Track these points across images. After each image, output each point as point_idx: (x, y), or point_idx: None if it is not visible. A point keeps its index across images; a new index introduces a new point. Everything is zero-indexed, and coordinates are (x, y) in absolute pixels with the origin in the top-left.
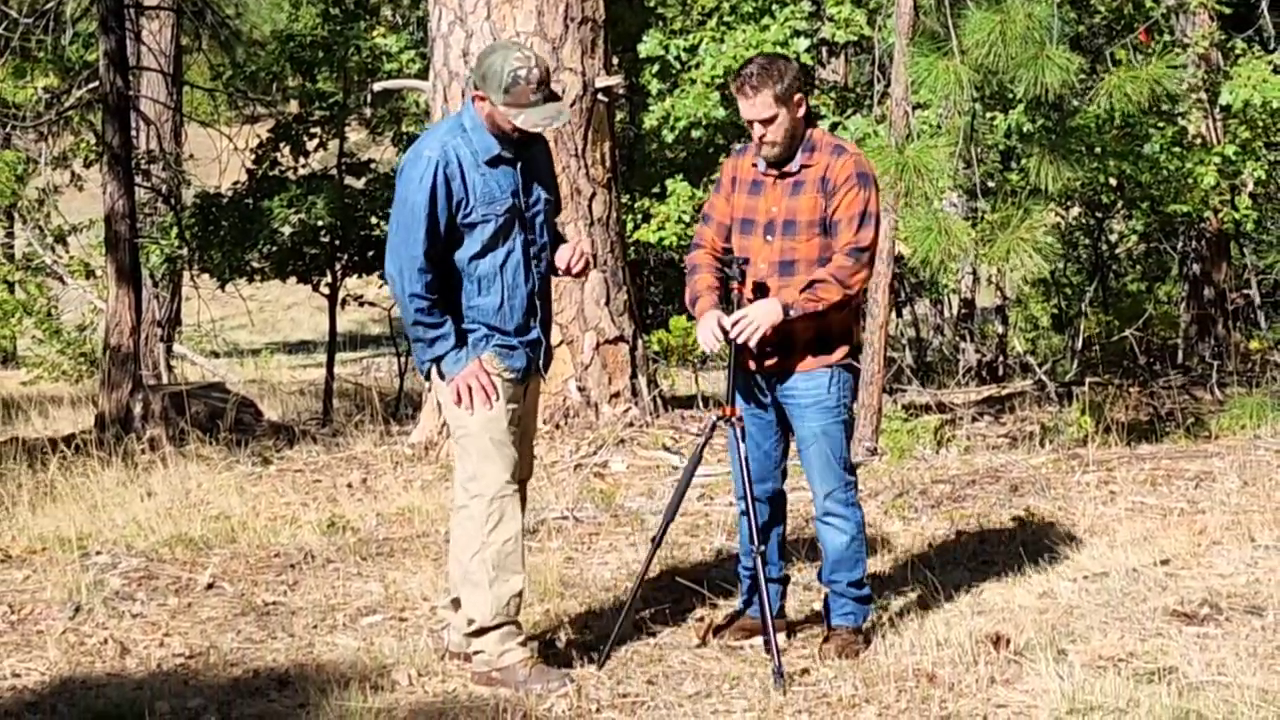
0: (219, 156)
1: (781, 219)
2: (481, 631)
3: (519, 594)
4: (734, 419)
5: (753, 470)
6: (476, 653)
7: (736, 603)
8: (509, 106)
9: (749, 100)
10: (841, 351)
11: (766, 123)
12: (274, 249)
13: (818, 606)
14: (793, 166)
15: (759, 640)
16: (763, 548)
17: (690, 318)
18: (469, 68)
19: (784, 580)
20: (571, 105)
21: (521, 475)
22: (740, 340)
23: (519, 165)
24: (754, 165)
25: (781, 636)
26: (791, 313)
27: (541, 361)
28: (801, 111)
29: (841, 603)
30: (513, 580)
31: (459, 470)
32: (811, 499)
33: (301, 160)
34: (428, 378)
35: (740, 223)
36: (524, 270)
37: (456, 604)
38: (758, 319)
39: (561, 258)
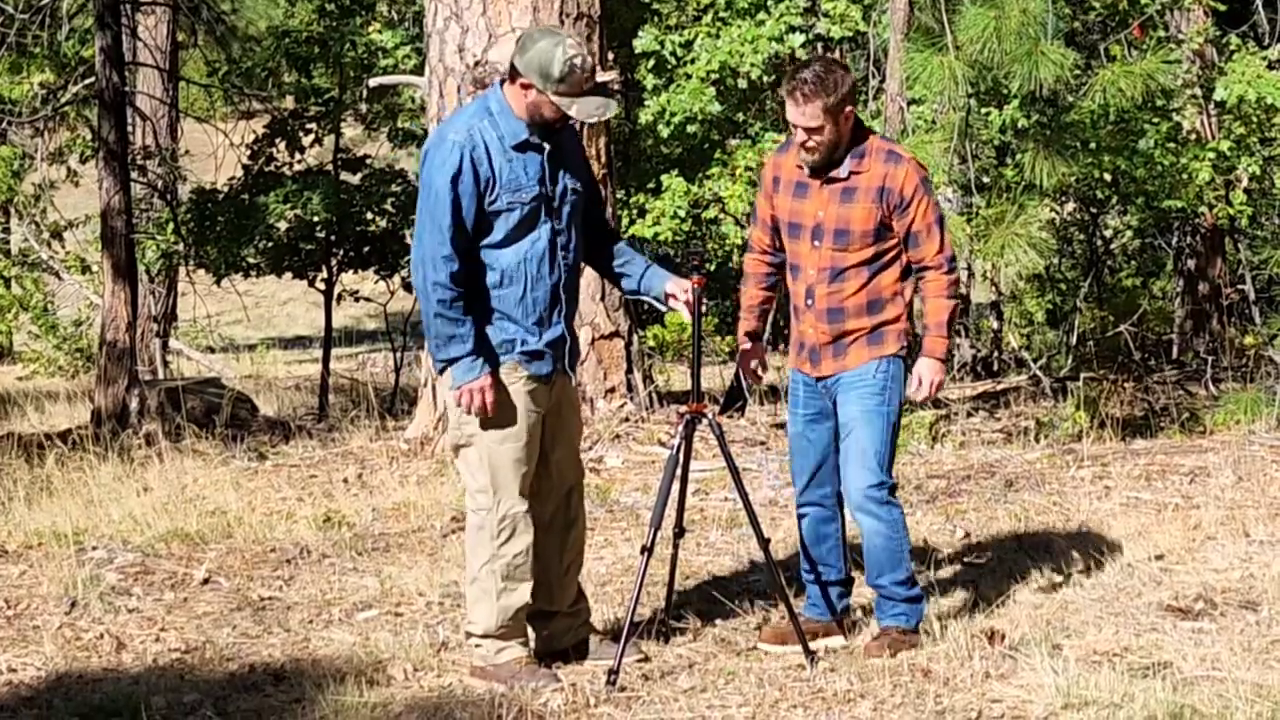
0: (215, 152)
1: (832, 227)
2: (484, 637)
3: (525, 604)
4: (703, 414)
5: (818, 476)
6: (476, 648)
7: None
8: (562, 96)
9: (798, 108)
10: (894, 347)
11: (812, 131)
12: (270, 244)
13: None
14: (841, 172)
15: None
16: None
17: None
18: (464, 63)
19: (846, 582)
20: None
21: (573, 479)
22: (927, 399)
23: (546, 152)
24: (799, 166)
25: (839, 640)
26: (944, 356)
27: (567, 360)
28: (850, 124)
29: (890, 605)
30: (521, 590)
31: (468, 479)
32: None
33: (297, 156)
34: (441, 372)
35: (788, 226)
36: (549, 262)
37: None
38: (929, 378)
39: (675, 288)
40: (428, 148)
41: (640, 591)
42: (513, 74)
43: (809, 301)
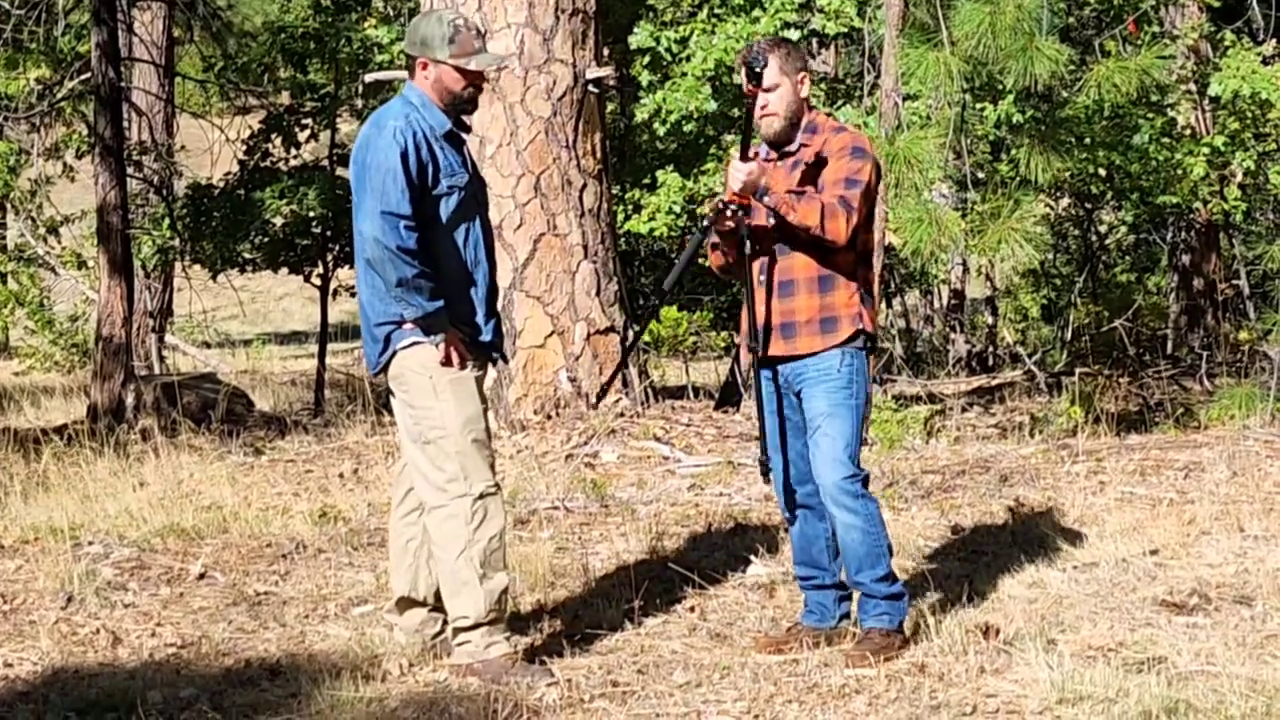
0: (211, 148)
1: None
2: (474, 626)
3: (505, 590)
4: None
5: (802, 470)
6: (461, 644)
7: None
8: (458, 57)
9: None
10: (849, 331)
11: (770, 90)
12: (266, 240)
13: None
14: (793, 147)
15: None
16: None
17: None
18: None
19: (840, 585)
20: (562, 97)
21: None
22: (730, 185)
23: (464, 144)
24: (755, 155)
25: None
26: (766, 199)
27: (503, 349)
28: (805, 91)
29: (872, 603)
30: (499, 576)
31: (433, 473)
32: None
33: (293, 151)
34: (381, 371)
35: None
36: (485, 250)
37: (402, 605)
38: (737, 169)
39: None
40: (366, 137)
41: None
42: (410, 64)
43: (762, 278)
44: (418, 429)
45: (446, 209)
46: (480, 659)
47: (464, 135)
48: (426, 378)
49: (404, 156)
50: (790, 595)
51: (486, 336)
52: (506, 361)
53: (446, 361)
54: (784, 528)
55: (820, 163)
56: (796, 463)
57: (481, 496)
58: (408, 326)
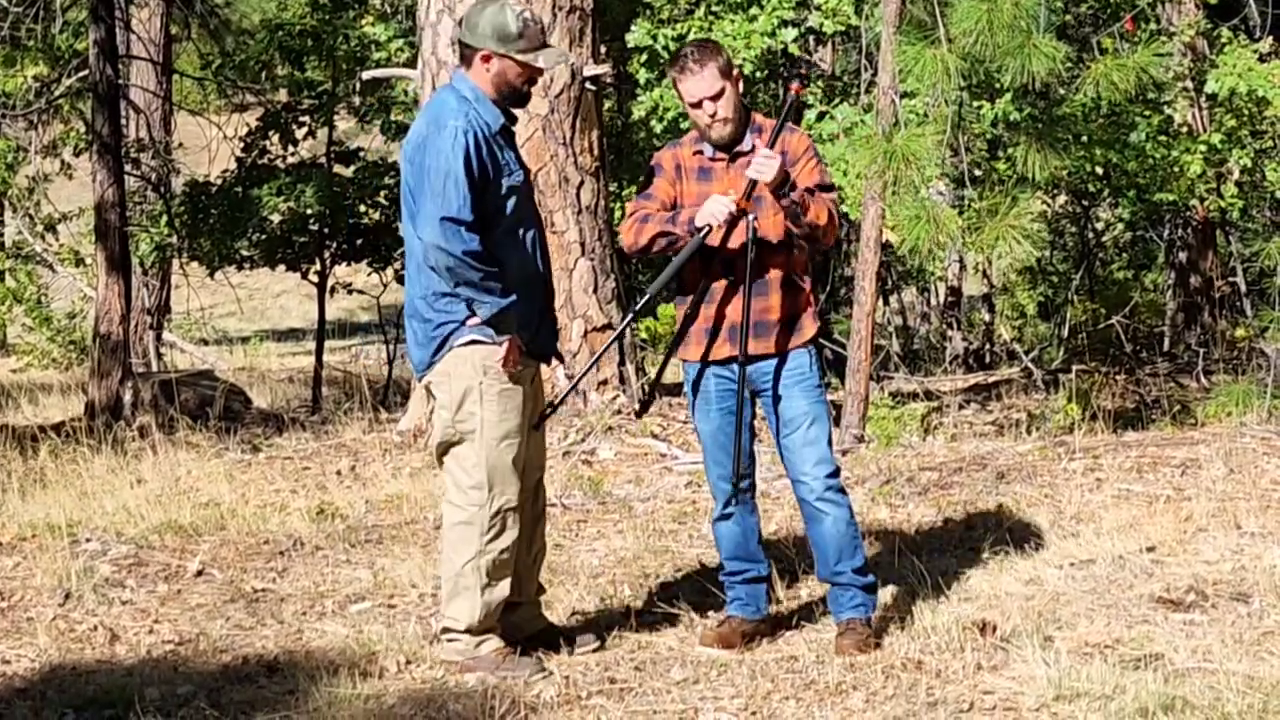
0: (208, 145)
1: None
2: (465, 632)
3: (505, 599)
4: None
5: (731, 469)
6: (452, 642)
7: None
8: (525, 52)
9: (696, 75)
10: (812, 330)
11: (716, 97)
12: (263, 237)
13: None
14: (745, 146)
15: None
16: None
17: (653, 306)
18: (457, 56)
19: (769, 578)
20: (559, 94)
21: (541, 469)
22: (762, 177)
23: (514, 140)
24: (697, 154)
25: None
26: (791, 195)
27: (553, 349)
28: (740, 89)
29: (850, 594)
30: (501, 586)
31: (460, 475)
32: (794, 487)
33: (290, 149)
34: (422, 372)
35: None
36: (539, 248)
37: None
38: (773, 158)
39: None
40: (424, 136)
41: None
42: (468, 54)
43: (730, 278)
44: (451, 430)
45: (508, 209)
46: (472, 656)
47: (513, 129)
48: (476, 381)
49: (467, 159)
50: (786, 589)
51: (542, 340)
52: (562, 361)
53: (505, 362)
54: (780, 520)
55: (782, 158)
56: (742, 459)
57: (501, 511)
58: (471, 323)
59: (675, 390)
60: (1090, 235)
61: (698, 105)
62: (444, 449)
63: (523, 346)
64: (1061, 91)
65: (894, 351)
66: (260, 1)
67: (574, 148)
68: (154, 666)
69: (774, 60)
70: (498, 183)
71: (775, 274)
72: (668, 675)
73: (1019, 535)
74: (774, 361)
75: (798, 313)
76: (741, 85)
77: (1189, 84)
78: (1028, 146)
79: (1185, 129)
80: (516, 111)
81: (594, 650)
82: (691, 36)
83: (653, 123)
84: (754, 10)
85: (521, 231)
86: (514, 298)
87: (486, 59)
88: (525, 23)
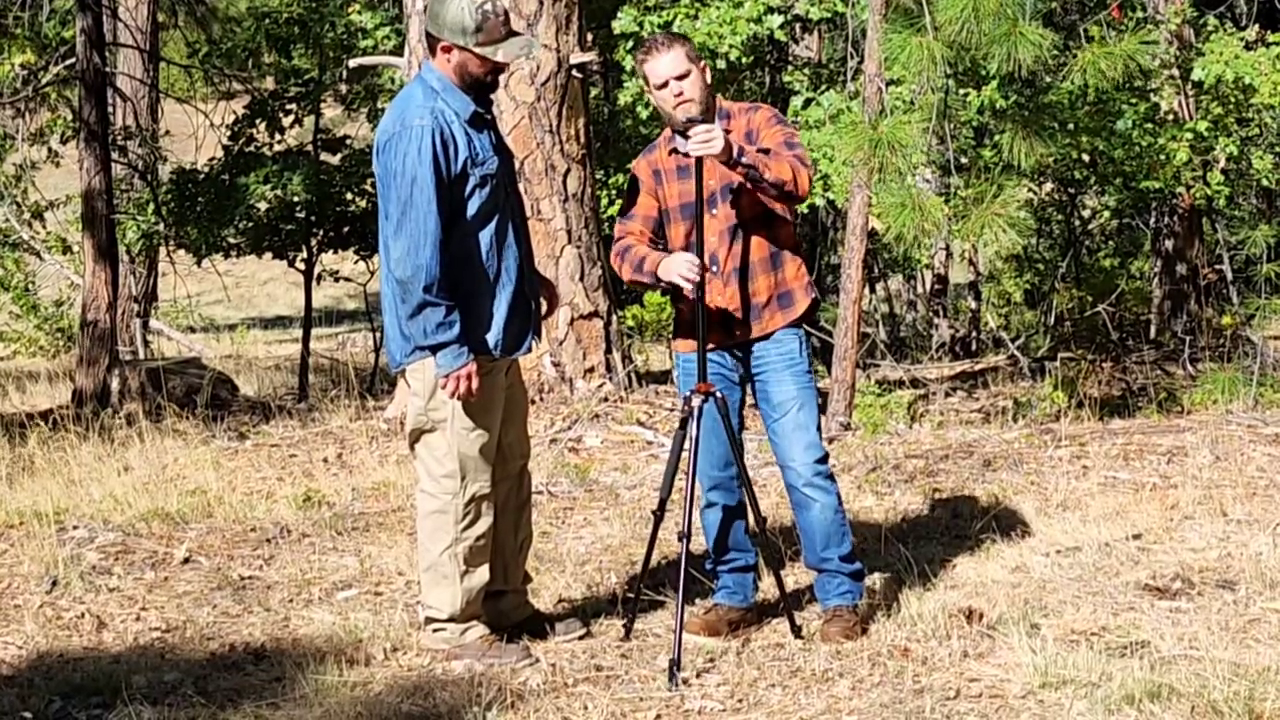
0: (195, 133)
1: (721, 185)
2: (448, 621)
3: (485, 584)
4: (713, 394)
5: (719, 455)
6: (437, 631)
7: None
8: (484, 45)
9: (663, 55)
10: (805, 303)
11: (682, 78)
12: (250, 225)
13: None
14: None
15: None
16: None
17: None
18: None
19: (755, 566)
20: (546, 82)
21: (524, 458)
22: (708, 150)
23: (489, 124)
24: (672, 154)
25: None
26: (743, 159)
27: (532, 338)
28: (708, 77)
29: (837, 581)
30: (480, 572)
31: (432, 463)
32: (783, 473)
33: (277, 136)
34: (398, 365)
35: (679, 209)
36: (514, 236)
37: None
38: (712, 131)
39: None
40: (387, 137)
41: (649, 557)
42: (431, 44)
43: (714, 268)
44: (424, 418)
45: (478, 201)
46: (458, 644)
47: (489, 116)
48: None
49: (434, 161)
50: (771, 577)
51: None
52: (539, 337)
53: (453, 395)
54: (769, 508)
55: (749, 138)
56: (729, 443)
57: (475, 499)
58: (439, 366)
59: (662, 378)
60: (1076, 223)
61: (664, 86)
62: (416, 436)
63: (487, 351)
64: (1048, 79)
65: (880, 339)
66: None
67: (560, 135)
68: (141, 654)
69: (760, 47)
70: (467, 175)
71: (755, 257)
72: (654, 663)
73: (1005, 522)
74: (767, 345)
75: (787, 289)
76: (726, 73)
77: (1175, 72)
78: (1014, 134)
79: (1172, 117)
80: (502, 96)
81: (580, 637)
82: (678, 23)
83: (639, 109)
84: None
85: (498, 219)
86: (455, 331)
87: (447, 50)
88: (485, 15)
